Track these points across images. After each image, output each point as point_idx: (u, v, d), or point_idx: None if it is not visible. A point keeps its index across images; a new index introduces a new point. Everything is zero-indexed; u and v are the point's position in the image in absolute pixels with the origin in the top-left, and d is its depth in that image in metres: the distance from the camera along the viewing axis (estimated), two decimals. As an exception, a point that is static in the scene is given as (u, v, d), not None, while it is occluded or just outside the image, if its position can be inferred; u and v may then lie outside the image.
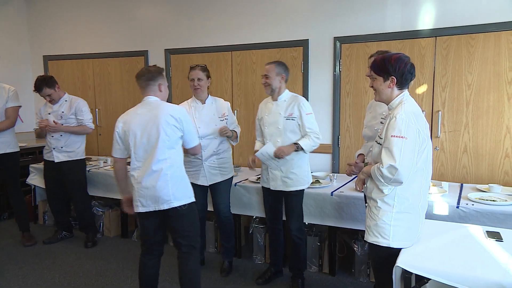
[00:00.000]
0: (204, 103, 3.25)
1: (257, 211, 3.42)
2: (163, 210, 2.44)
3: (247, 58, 4.32)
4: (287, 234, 3.15)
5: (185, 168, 3.16)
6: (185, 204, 2.47)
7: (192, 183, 3.17)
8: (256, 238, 3.63)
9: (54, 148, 3.89)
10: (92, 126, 3.97)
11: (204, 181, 3.20)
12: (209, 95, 3.29)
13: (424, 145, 1.97)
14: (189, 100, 3.30)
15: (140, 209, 2.47)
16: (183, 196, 2.48)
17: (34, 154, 5.00)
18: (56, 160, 3.90)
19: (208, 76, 3.24)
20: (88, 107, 3.98)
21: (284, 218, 3.16)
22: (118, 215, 4.32)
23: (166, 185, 2.42)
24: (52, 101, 3.85)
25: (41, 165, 4.41)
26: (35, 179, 4.50)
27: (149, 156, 2.42)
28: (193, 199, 2.55)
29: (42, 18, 5.47)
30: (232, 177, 3.34)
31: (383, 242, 2.04)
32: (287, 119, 2.93)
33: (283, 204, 3.12)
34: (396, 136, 1.89)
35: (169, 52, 4.71)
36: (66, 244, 4.07)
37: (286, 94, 3.03)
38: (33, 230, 4.29)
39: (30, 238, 4.09)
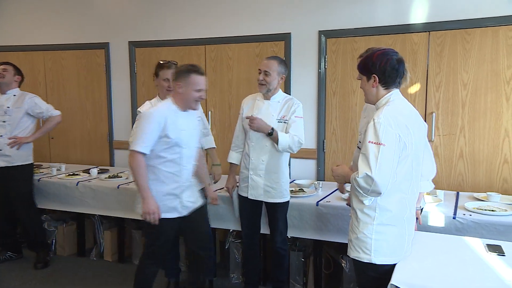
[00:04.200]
0: None
1: (233, 224, 3.37)
2: None
3: (222, 53, 4.28)
4: (270, 247, 3.16)
5: None
6: None
7: None
8: (232, 254, 3.59)
9: None
10: (57, 111, 3.98)
11: None
12: None
13: (407, 152, 1.96)
14: (152, 100, 3.19)
15: None
16: None
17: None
18: None
19: None
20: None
21: (262, 231, 3.17)
22: (74, 230, 4.19)
23: None
24: (1, 79, 3.79)
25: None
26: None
27: None
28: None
29: (-15, 4, 5.27)
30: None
31: (364, 258, 2.06)
32: (279, 121, 2.93)
33: (261, 216, 3.12)
34: (373, 142, 1.90)
35: (133, 45, 4.62)
36: (12, 266, 3.90)
37: (280, 95, 3.02)
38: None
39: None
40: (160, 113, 2.63)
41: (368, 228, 2.04)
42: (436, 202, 3.01)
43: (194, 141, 2.77)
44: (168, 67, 3.06)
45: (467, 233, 2.69)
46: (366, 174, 1.88)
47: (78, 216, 4.11)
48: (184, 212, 2.73)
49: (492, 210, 2.82)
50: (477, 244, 2.26)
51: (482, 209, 2.83)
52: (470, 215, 2.77)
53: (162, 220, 2.63)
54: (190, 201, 2.76)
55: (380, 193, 1.91)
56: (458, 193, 3.37)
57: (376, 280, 2.04)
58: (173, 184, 2.67)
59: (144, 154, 2.57)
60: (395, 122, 1.93)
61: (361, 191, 1.94)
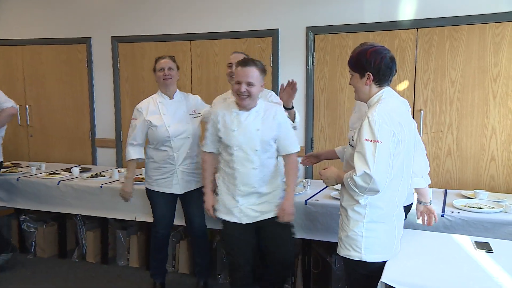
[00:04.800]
0: (172, 98, 3.19)
1: (215, 222, 3.37)
2: None
3: (208, 49, 4.27)
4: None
5: (156, 176, 3.17)
6: None
7: (163, 193, 3.17)
8: (220, 254, 3.60)
9: None
10: (9, 103, 3.72)
11: (177, 189, 3.16)
12: (178, 90, 3.25)
13: (399, 148, 1.99)
14: (154, 95, 3.23)
15: None
16: None
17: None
18: None
19: (178, 68, 3.22)
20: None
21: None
22: (55, 231, 4.15)
23: None
24: None
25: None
26: None
27: None
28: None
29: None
30: None
31: (355, 256, 2.09)
32: None
33: None
34: (369, 140, 1.93)
35: (116, 40, 4.58)
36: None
37: None
38: None
39: None
40: (214, 112, 2.69)
41: (358, 226, 2.07)
42: (425, 199, 3.07)
43: (249, 144, 2.56)
44: (162, 58, 3.15)
45: (456, 231, 2.75)
46: (365, 172, 1.90)
47: (59, 217, 4.06)
48: (244, 220, 2.62)
49: (480, 208, 2.88)
50: (466, 242, 2.31)
51: (470, 207, 2.89)
52: (458, 212, 2.82)
53: (224, 222, 2.69)
54: (253, 209, 2.62)
55: (378, 191, 1.94)
56: (446, 191, 3.43)
57: (366, 278, 2.08)
58: (231, 187, 2.63)
59: (209, 152, 2.74)
60: (389, 119, 1.96)
61: (357, 190, 1.97)
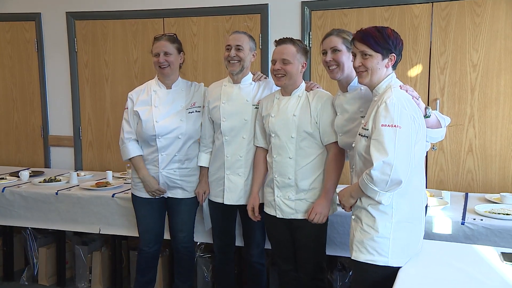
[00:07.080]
0: (170, 88, 3.16)
1: (201, 235, 3.38)
2: None
3: (185, 28, 4.27)
4: (246, 262, 3.21)
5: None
6: None
7: (145, 198, 3.17)
8: (201, 271, 3.63)
9: None
10: None
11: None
12: (180, 78, 3.21)
13: (420, 135, 2.13)
14: (150, 81, 3.22)
15: None
16: None
17: None
18: None
19: (180, 50, 3.14)
20: None
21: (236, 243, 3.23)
22: (-1, 248, 4.11)
23: None
24: None
25: None
26: None
27: None
28: None
29: None
30: None
31: (380, 261, 2.16)
32: (256, 107, 2.96)
33: (235, 225, 3.17)
34: (388, 125, 2.03)
35: (72, 17, 4.55)
36: None
37: (251, 76, 3.06)
38: None
39: None
40: (260, 102, 2.98)
41: (385, 227, 2.15)
42: (442, 205, 3.10)
43: (285, 131, 2.75)
44: (158, 39, 3.08)
45: (478, 241, 2.78)
46: (383, 161, 1.99)
47: (4, 231, 4.02)
48: (279, 213, 2.79)
49: (507, 214, 2.92)
50: (491, 253, 2.34)
51: (495, 213, 2.93)
52: (481, 219, 2.86)
53: (265, 215, 2.93)
54: (287, 204, 2.76)
55: (401, 182, 2.02)
56: (467, 195, 3.47)
57: (375, 285, 2.17)
58: (270, 176, 2.87)
59: (260, 148, 2.95)
60: (409, 103, 2.11)
61: (377, 188, 2.05)
